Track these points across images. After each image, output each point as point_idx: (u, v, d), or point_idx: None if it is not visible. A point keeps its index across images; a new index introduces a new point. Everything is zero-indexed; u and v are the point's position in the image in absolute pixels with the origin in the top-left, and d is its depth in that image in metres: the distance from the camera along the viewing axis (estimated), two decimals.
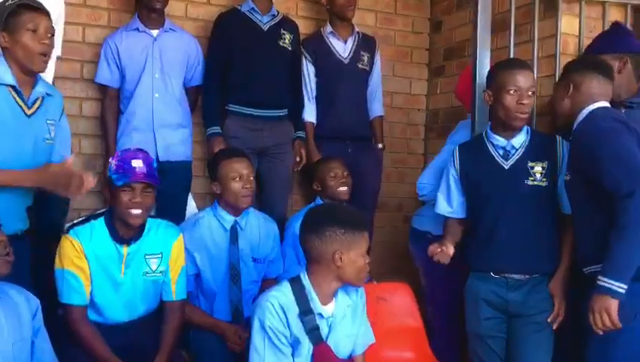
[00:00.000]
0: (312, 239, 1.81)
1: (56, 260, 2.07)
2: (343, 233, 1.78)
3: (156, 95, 2.81)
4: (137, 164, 2.08)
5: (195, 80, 2.99)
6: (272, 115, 2.99)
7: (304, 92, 3.17)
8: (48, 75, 2.45)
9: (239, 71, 2.93)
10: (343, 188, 2.77)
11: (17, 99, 1.99)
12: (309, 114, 3.17)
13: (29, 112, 2.02)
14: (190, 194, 3.02)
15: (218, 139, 2.88)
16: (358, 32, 3.24)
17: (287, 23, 3.08)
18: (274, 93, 2.99)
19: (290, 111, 3.07)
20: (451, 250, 2.19)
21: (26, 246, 2.06)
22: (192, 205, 3.01)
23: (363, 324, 1.97)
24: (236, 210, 2.44)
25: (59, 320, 2.08)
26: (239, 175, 2.40)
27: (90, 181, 1.99)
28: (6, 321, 1.62)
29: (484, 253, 2.17)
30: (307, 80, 3.17)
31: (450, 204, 2.31)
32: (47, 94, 2.11)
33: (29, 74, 2.01)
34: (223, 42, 2.94)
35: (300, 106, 3.13)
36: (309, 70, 3.17)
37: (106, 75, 2.85)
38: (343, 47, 3.19)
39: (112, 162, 2.11)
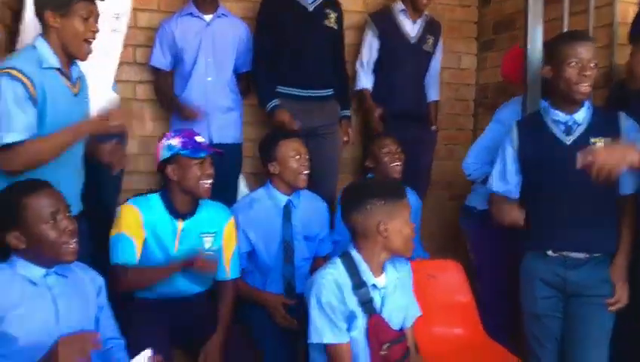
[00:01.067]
0: (354, 215, 1.83)
1: (113, 228, 2.14)
2: (384, 203, 1.80)
3: (209, 79, 2.87)
4: (200, 139, 2.21)
5: (246, 65, 3.02)
6: (320, 95, 3.01)
7: (359, 61, 3.21)
8: (112, 66, 2.54)
9: (287, 53, 2.94)
10: (397, 164, 2.79)
11: (65, 80, 2.04)
12: (366, 81, 3.22)
13: (75, 91, 2.08)
14: (241, 175, 3.09)
15: (281, 111, 2.87)
16: (426, 14, 3.26)
17: (331, 2, 3.06)
18: (322, 73, 3.01)
19: (335, 90, 3.08)
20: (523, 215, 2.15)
21: (82, 229, 2.12)
22: (242, 186, 3.08)
23: (411, 297, 2.00)
24: (291, 189, 2.49)
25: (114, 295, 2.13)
26: (298, 154, 2.45)
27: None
28: (74, 300, 1.70)
29: (542, 232, 2.12)
30: (367, 51, 3.21)
31: (506, 183, 2.26)
32: (81, 75, 2.15)
33: (69, 57, 2.04)
34: (270, 25, 2.95)
35: (344, 85, 3.15)
36: (371, 43, 3.20)
37: (160, 59, 2.93)
38: (411, 27, 3.22)
39: (173, 140, 2.17)
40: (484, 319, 2.59)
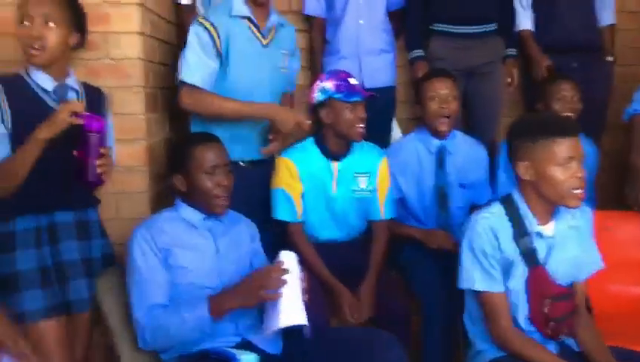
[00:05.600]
0: (512, 157, 1.70)
1: (273, 180, 2.23)
2: (532, 144, 1.62)
3: (361, 21, 2.81)
4: (354, 81, 2.19)
5: (398, 3, 2.91)
6: (479, 32, 2.81)
7: None
8: None
9: None
10: (568, 115, 2.49)
11: (254, 30, 2.15)
12: (525, 21, 2.93)
13: (265, 42, 2.18)
14: (394, 120, 3.01)
15: (421, 63, 2.81)
16: None
17: None
18: (480, 6, 2.79)
19: (499, 25, 2.85)
20: None
21: (253, 174, 2.22)
22: (396, 131, 3.01)
23: (589, 248, 1.80)
24: (439, 133, 2.37)
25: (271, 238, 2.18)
26: (437, 95, 2.34)
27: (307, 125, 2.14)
28: (231, 241, 1.83)
29: None
30: None
31: None
32: (280, 25, 2.24)
33: (261, 5, 2.13)
34: None
35: (510, 20, 2.90)
36: None
37: (314, 5, 2.92)
38: None
39: (327, 83, 2.17)
40: None
